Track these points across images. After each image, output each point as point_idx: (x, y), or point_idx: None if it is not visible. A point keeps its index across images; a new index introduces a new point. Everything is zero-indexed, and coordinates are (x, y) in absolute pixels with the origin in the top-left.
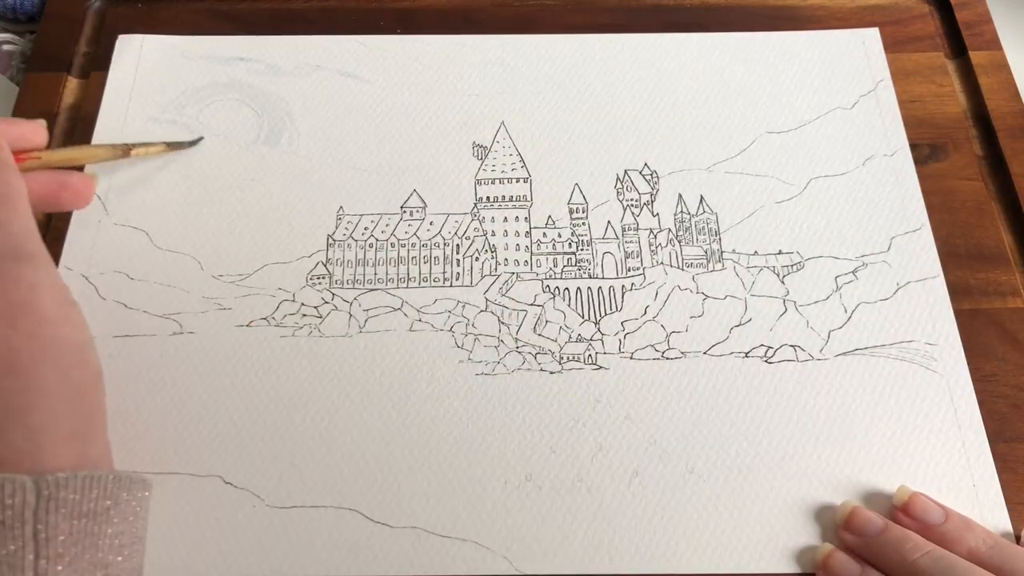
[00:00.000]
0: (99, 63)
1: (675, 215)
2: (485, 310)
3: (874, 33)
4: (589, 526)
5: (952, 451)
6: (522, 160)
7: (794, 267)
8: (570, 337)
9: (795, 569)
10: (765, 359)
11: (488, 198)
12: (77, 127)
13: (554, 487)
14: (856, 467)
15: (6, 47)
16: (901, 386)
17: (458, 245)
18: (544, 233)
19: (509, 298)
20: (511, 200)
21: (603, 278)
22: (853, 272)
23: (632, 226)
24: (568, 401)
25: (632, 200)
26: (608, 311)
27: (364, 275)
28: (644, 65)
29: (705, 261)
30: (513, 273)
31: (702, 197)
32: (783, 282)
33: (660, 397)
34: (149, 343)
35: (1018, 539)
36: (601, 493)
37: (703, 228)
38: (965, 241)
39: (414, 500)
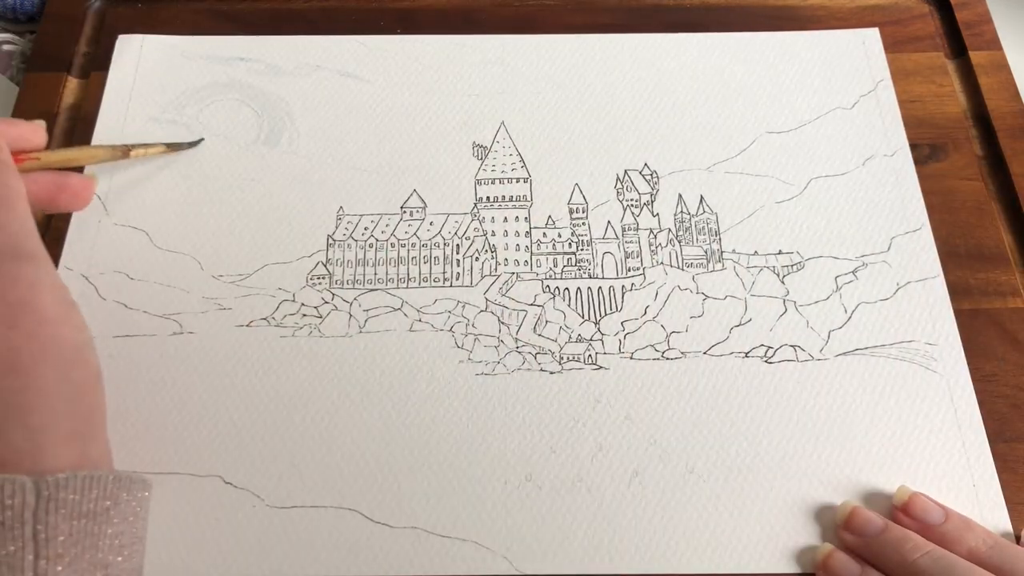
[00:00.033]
0: (99, 63)
1: (675, 215)
2: (485, 310)
3: (874, 33)
4: (589, 526)
5: (952, 451)
6: (522, 160)
7: (794, 267)
8: (570, 337)
9: (795, 569)
10: (765, 359)
11: (488, 198)
12: (77, 127)
13: (554, 487)
14: (856, 467)
15: (6, 47)
16: (901, 386)
17: (458, 245)
18: (544, 233)
19: (509, 298)
20: (511, 200)
21: (603, 278)
22: (853, 272)
23: (632, 226)
24: (568, 401)
25: (632, 200)
26: (608, 311)
27: (364, 275)
28: (644, 65)
29: (705, 261)
30: (513, 273)
31: (702, 197)
32: (783, 282)
33: (660, 397)
34: (149, 343)
35: (1018, 539)
36: (601, 493)
37: (703, 228)
38: (965, 241)
39: (414, 500)
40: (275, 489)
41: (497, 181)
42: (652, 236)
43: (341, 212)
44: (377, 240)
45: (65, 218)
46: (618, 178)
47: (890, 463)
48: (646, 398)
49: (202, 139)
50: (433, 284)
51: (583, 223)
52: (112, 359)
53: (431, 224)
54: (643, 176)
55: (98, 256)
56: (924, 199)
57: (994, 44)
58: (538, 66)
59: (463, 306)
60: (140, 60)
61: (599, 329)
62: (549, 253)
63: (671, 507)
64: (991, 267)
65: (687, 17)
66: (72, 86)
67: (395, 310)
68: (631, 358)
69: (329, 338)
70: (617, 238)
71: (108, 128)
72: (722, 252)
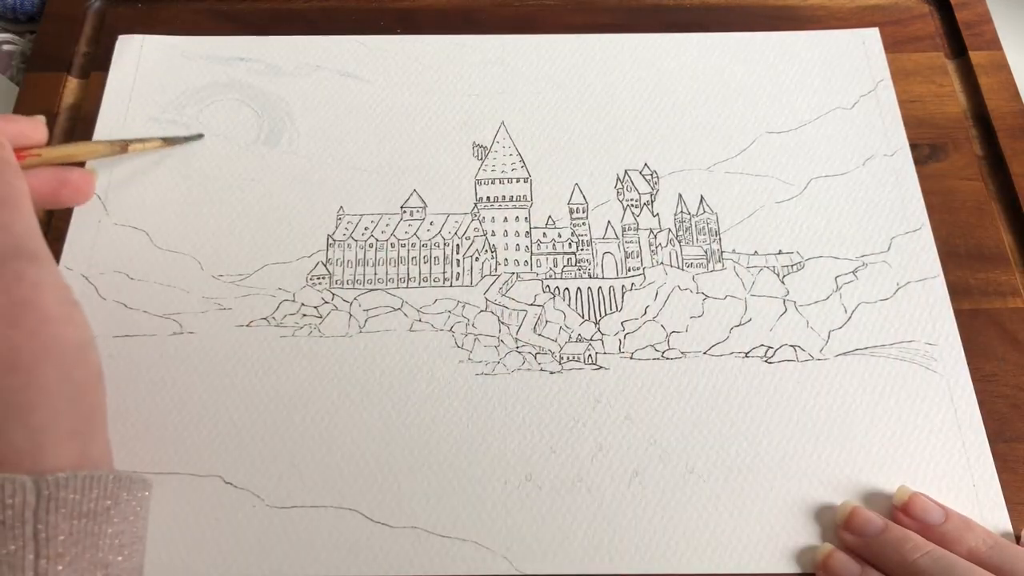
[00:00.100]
0: (99, 63)
1: (675, 215)
2: (485, 310)
3: (874, 33)
4: (589, 526)
5: (952, 451)
6: (522, 160)
7: (794, 267)
8: (570, 337)
9: (795, 569)
10: (765, 359)
11: (488, 198)
12: (77, 127)
13: (554, 487)
14: (856, 467)
15: (6, 47)
16: (901, 386)
17: (458, 245)
18: (544, 233)
19: (509, 298)
20: (511, 200)
21: (603, 278)
22: (853, 272)
23: (632, 226)
24: (568, 401)
25: (632, 200)
26: (608, 311)
27: (364, 275)
28: (644, 65)
29: (705, 261)
30: (513, 273)
31: (702, 197)
32: (783, 282)
33: (660, 397)
34: (149, 343)
35: (1018, 539)
36: (601, 493)
37: (703, 228)
38: (965, 241)
39: (414, 500)
40: (275, 489)
41: (497, 181)
42: (652, 236)
43: (341, 212)
44: (377, 240)
45: (65, 217)
46: (618, 178)
47: (890, 463)
48: (646, 398)
49: (201, 134)
50: (433, 284)
51: (583, 223)
52: (112, 359)
53: (431, 224)
54: (643, 176)
55: (98, 256)
56: (924, 199)
57: (994, 44)
58: (538, 66)
59: (463, 306)
60: (140, 60)
61: (599, 329)
62: (549, 253)
63: (671, 507)
64: (991, 267)
65: (687, 17)
66: (72, 86)
67: (395, 310)
68: (631, 358)
69: (329, 338)
70: (617, 238)
71: (108, 128)
72: (722, 252)
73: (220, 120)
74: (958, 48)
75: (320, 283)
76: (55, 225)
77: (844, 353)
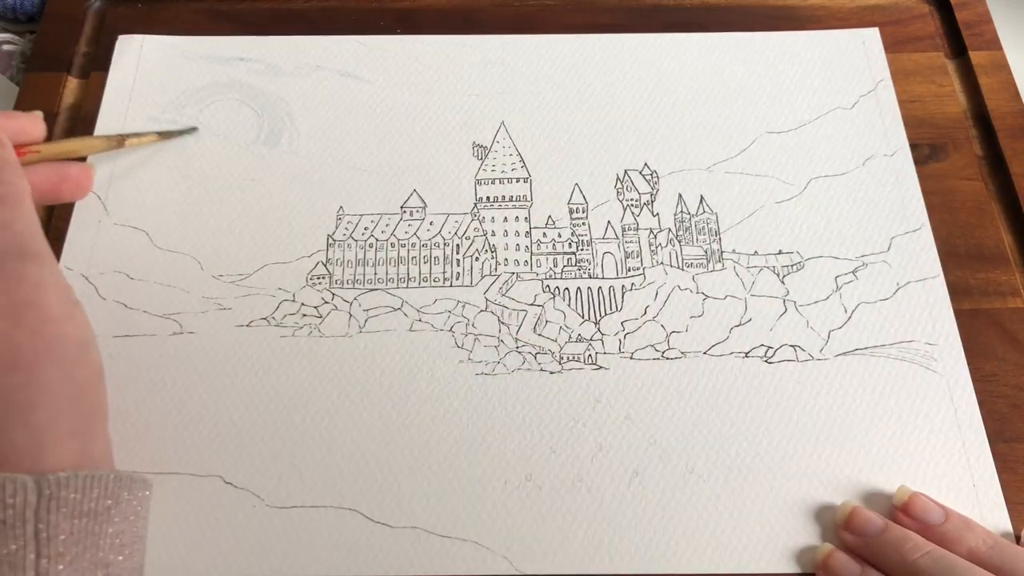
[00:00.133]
0: (99, 63)
1: (675, 215)
2: (485, 310)
3: (874, 33)
4: (589, 526)
5: (952, 451)
6: (522, 160)
7: (794, 267)
8: (570, 337)
9: (795, 569)
10: (765, 359)
11: (488, 198)
12: (77, 127)
13: (554, 487)
14: (856, 467)
15: (6, 47)
16: (901, 386)
17: (458, 245)
18: (544, 233)
19: (509, 298)
20: (511, 200)
21: (603, 278)
22: (853, 272)
23: (632, 226)
24: (568, 401)
25: (632, 200)
26: (608, 311)
27: (364, 275)
28: (644, 65)
29: (705, 261)
30: (513, 273)
31: (702, 197)
32: (783, 282)
33: (660, 397)
34: (149, 343)
35: (1018, 539)
36: (601, 493)
37: (703, 228)
38: (965, 241)
39: (414, 500)
40: (275, 489)
41: (497, 181)
42: (652, 236)
43: (341, 212)
44: (377, 240)
45: (65, 217)
46: (618, 178)
47: (890, 463)
48: (646, 398)
49: (195, 128)
50: (433, 284)
51: (583, 223)
52: (112, 359)
53: (431, 224)
54: (643, 176)
55: (98, 256)
56: (924, 199)
57: (994, 44)
58: (538, 66)
59: (463, 306)
60: (140, 60)
61: (599, 329)
62: (549, 253)
63: (671, 507)
64: (991, 267)
65: (687, 17)
66: (72, 86)
67: (395, 310)
68: (631, 358)
69: (329, 338)
70: (617, 238)
71: (108, 128)
72: (722, 252)
73: (220, 120)
74: (958, 48)
75: (320, 283)
76: (55, 225)
77: (844, 353)
